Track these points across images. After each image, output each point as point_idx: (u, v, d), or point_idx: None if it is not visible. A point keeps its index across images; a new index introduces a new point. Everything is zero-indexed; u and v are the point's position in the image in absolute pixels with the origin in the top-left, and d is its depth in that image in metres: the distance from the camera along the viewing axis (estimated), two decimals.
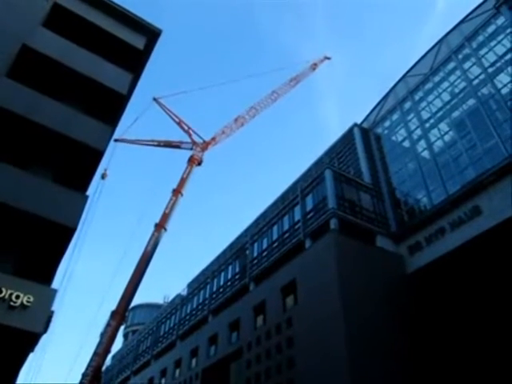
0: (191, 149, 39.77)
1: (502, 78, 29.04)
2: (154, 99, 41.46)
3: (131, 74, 18.58)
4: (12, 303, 11.09)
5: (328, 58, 51.45)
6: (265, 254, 36.16)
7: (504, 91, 28.53)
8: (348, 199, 31.91)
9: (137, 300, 77.32)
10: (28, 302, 11.27)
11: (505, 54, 29.60)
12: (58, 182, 14.74)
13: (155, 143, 40.56)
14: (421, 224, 30.13)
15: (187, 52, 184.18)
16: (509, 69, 28.80)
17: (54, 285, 16.49)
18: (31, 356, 13.80)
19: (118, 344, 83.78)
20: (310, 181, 34.86)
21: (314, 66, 48.88)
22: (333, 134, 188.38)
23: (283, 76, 48.55)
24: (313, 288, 27.32)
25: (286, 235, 34.09)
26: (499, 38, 30.65)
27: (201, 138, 40.79)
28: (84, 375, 29.26)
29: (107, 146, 17.73)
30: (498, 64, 29.86)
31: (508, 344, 25.31)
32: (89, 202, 15.46)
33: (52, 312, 13.24)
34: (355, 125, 41.64)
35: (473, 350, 26.16)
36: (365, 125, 42.26)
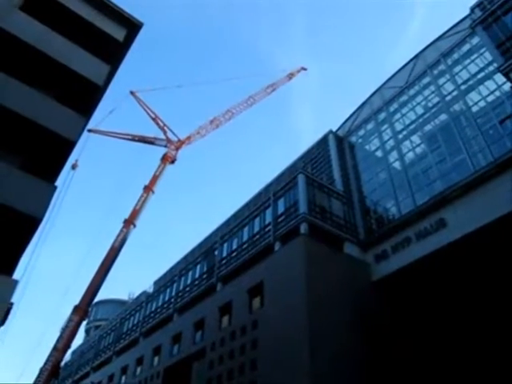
0: (165, 146, 39.54)
1: (473, 96, 30.04)
2: (131, 92, 40.98)
3: (109, 65, 18.22)
4: None
5: (304, 69, 52.40)
6: (234, 254, 36.14)
7: (474, 109, 29.53)
8: (319, 205, 32.26)
9: (101, 295, 75.82)
10: None
11: (477, 72, 30.61)
12: (26, 170, 14.29)
13: (129, 137, 40.08)
14: (388, 233, 30.77)
15: (166, 50, 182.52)
16: (480, 88, 29.78)
17: (16, 276, 16.00)
18: None
19: (79, 339, 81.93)
20: (282, 184, 35.06)
21: (291, 76, 49.75)
22: (305, 139, 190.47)
23: (260, 82, 49.02)
24: (280, 291, 27.47)
25: (256, 237, 34.17)
26: (473, 57, 31.66)
27: (176, 136, 40.60)
28: (42, 370, 28.60)
29: (80, 136, 17.38)
30: (471, 82, 30.85)
31: (469, 351, 26.13)
32: (57, 192, 15.10)
33: (11, 304, 12.86)
34: (330, 132, 42.15)
35: (434, 357, 26.87)
36: (340, 132, 42.83)
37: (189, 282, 41.61)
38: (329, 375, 22.83)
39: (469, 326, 27.65)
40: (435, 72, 34.83)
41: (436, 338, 27.87)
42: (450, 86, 32.67)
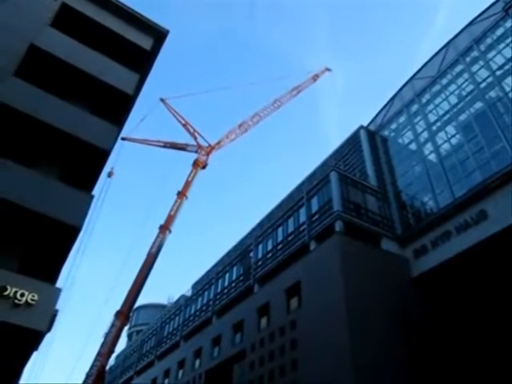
0: (196, 152, 39.88)
1: (510, 81, 28.85)
2: (161, 100, 41.61)
3: (138, 74, 18.59)
4: (17, 301, 11.09)
5: (329, 70, 51.94)
6: (269, 255, 36.09)
7: None
8: (353, 202, 31.80)
9: (141, 300, 77.32)
10: (32, 300, 11.27)
11: None
12: (65, 180, 14.76)
13: (161, 144, 40.74)
14: (427, 227, 29.94)
15: (189, 56, 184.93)
16: None
17: (59, 283, 16.54)
18: (35, 354, 13.84)
19: (121, 344, 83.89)
20: (315, 183, 34.77)
21: (315, 77, 49.42)
22: (334, 138, 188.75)
23: (286, 84, 48.80)
24: (317, 290, 27.23)
25: (291, 237, 34.01)
26: (507, 40, 30.46)
27: (206, 141, 40.94)
28: (88, 375, 29.35)
29: (114, 145, 17.80)
30: (506, 67, 29.68)
31: None
32: (95, 200, 15.50)
33: (56, 311, 13.26)
34: (361, 127, 41.50)
35: (478, 357, 25.85)
36: (371, 127, 42.11)
37: (226, 284, 41.88)
38: (371, 373, 22.44)
39: None
40: (468, 59, 33.72)
41: (481, 336, 26.81)
42: (484, 73, 31.52)
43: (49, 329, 12.42)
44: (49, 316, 11.90)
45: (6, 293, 11.06)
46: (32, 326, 11.28)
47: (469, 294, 27.42)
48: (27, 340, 11.80)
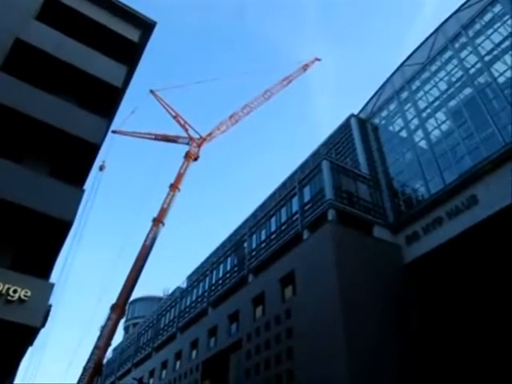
0: (188, 144, 39.85)
1: (499, 67, 28.97)
2: (151, 91, 41.40)
3: (126, 66, 18.40)
4: (9, 297, 11.07)
5: (318, 60, 52.09)
6: (263, 245, 36.23)
7: (501, 80, 28.48)
8: (345, 190, 31.93)
9: (136, 293, 77.50)
10: (25, 296, 11.26)
11: (501, 42, 29.51)
12: (55, 176, 14.65)
13: (152, 136, 40.69)
14: (418, 214, 30.17)
15: (178, 48, 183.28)
16: (505, 57, 28.70)
17: (52, 278, 16.53)
18: (31, 350, 13.88)
19: (118, 337, 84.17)
20: (307, 172, 34.82)
21: (305, 67, 49.61)
22: (327, 127, 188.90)
23: (278, 75, 48.80)
24: (311, 279, 27.43)
25: (284, 227, 34.12)
26: (496, 26, 30.53)
27: (197, 133, 40.91)
28: (85, 368, 29.51)
29: (104, 139, 17.66)
30: (495, 52, 29.77)
31: (508, 336, 25.31)
32: (87, 193, 15.44)
33: (50, 306, 13.26)
34: (352, 115, 41.50)
35: (472, 342, 26.11)
36: (362, 115, 42.11)
37: (221, 275, 42.03)
38: (366, 360, 22.74)
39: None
40: (457, 45, 33.74)
41: (474, 321, 27.07)
42: (473, 59, 31.58)
43: (43, 324, 12.44)
44: (42, 311, 11.91)
45: None
46: (26, 322, 11.28)
47: (461, 279, 27.71)
48: (22, 336, 11.81)
